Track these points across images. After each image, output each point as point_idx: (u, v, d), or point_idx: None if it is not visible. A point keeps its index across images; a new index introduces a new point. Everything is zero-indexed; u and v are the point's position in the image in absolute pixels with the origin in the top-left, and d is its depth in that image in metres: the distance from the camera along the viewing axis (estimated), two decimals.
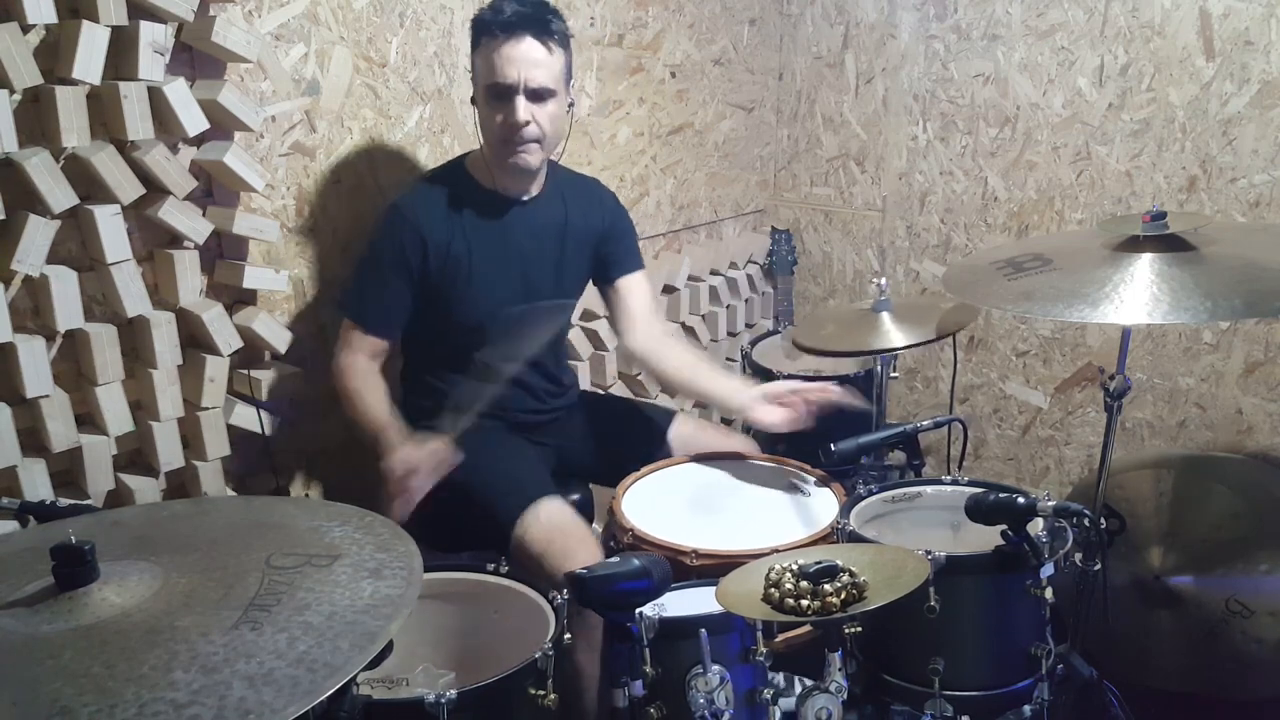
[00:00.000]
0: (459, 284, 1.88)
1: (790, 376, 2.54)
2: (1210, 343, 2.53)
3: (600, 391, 2.59)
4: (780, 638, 1.49)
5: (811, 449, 1.97)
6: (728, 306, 3.05)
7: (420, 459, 1.68)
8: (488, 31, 1.76)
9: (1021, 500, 1.45)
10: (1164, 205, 1.74)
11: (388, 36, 2.03)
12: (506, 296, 1.92)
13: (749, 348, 2.80)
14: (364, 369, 1.86)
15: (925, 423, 2.04)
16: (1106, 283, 1.56)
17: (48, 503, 1.53)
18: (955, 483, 1.81)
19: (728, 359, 3.11)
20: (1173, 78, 2.44)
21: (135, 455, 1.77)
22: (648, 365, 2.13)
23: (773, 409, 1.89)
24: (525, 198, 1.94)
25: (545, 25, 1.77)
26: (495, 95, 1.77)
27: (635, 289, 2.10)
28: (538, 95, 1.77)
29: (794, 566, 1.32)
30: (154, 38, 1.56)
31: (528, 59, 1.74)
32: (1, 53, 1.42)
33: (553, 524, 1.73)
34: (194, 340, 1.78)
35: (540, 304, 1.98)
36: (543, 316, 2.00)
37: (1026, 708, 1.56)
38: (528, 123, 1.77)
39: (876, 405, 2.36)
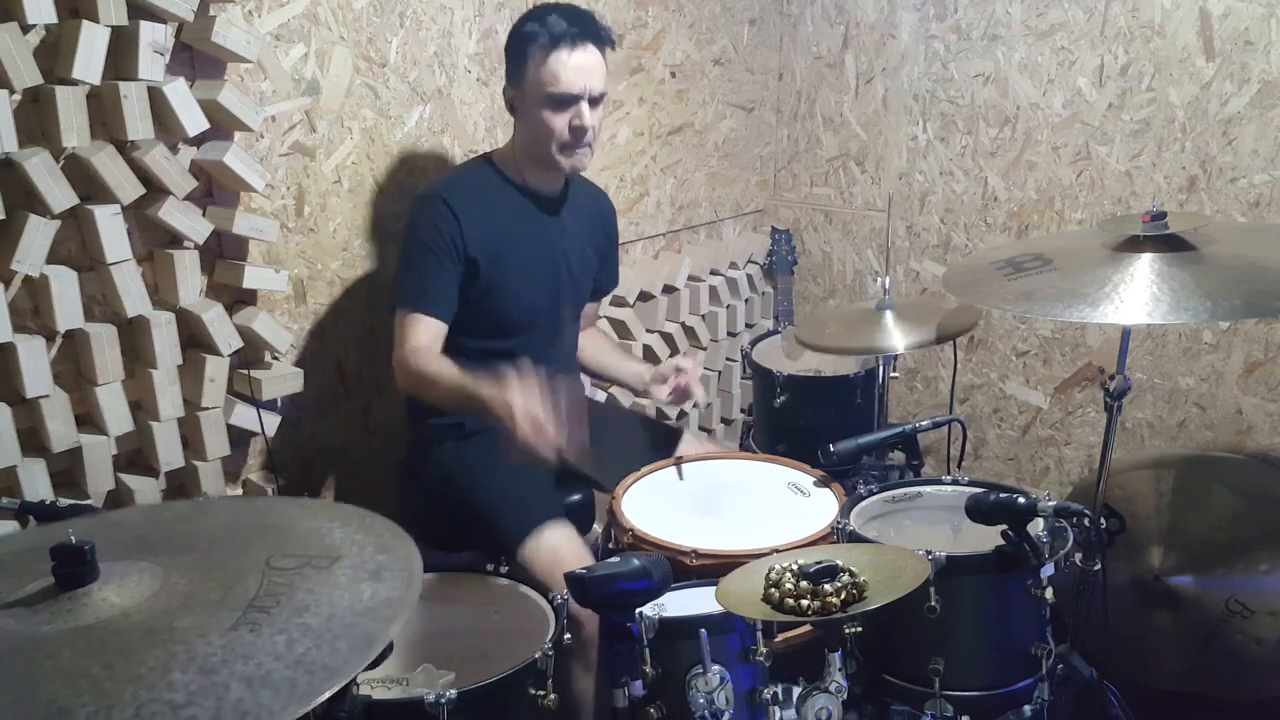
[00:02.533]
0: (492, 276, 1.88)
1: (790, 376, 2.54)
2: (1210, 343, 2.53)
3: (603, 398, 2.59)
4: (780, 638, 1.49)
5: (811, 449, 1.98)
6: (728, 306, 3.04)
7: (527, 400, 1.58)
8: (548, 42, 1.79)
9: (1022, 500, 1.46)
10: (1164, 205, 1.74)
11: (388, 36, 2.03)
12: (539, 291, 1.95)
13: (749, 348, 2.80)
14: (429, 353, 1.81)
15: (925, 423, 2.04)
16: (1106, 283, 1.56)
17: (48, 503, 1.53)
18: (955, 483, 1.81)
19: (728, 359, 3.11)
20: (1173, 78, 2.44)
21: (135, 455, 1.77)
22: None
23: (662, 386, 2.04)
24: (553, 196, 1.99)
25: (602, 33, 1.85)
26: (558, 103, 1.82)
27: (602, 301, 2.30)
28: (595, 100, 1.86)
29: (794, 566, 1.32)
30: (154, 38, 1.56)
31: (591, 68, 1.83)
32: (1, 53, 1.42)
33: (556, 555, 1.74)
34: (194, 340, 1.78)
35: (567, 299, 2.03)
36: (569, 312, 2.06)
37: (1026, 708, 1.56)
38: (591, 127, 1.85)
39: (877, 405, 2.36)
